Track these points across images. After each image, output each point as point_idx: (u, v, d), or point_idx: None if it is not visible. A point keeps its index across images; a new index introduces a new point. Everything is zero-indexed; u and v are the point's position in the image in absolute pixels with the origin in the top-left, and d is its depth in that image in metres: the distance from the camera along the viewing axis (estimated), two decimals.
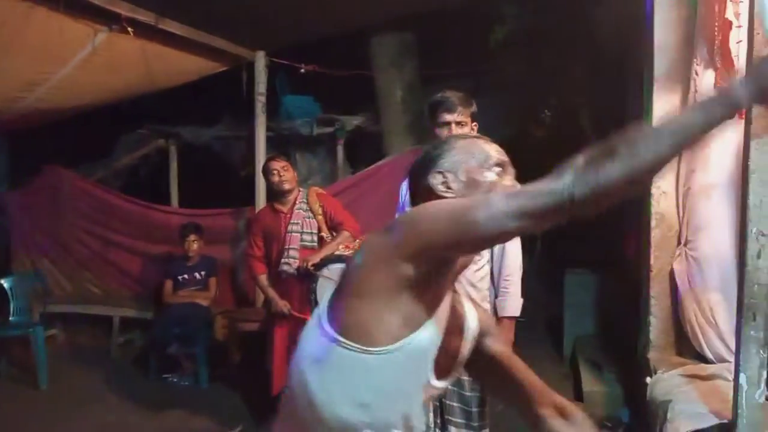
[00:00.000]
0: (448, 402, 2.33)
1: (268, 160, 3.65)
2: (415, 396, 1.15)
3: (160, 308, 4.84)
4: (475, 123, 2.37)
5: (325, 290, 3.41)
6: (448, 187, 1.21)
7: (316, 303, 3.41)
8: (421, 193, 1.24)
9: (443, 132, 2.31)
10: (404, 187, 2.53)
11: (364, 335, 1.07)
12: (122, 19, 3.62)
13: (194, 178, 5.91)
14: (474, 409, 2.31)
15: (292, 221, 3.52)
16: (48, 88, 4.22)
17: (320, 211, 3.60)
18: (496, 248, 2.32)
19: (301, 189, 3.69)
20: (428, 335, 1.11)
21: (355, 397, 1.09)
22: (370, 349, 1.06)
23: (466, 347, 1.27)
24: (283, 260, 3.46)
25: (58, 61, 3.96)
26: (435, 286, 1.11)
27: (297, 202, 3.60)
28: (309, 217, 3.57)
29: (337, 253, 3.45)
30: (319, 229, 3.57)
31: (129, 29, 3.67)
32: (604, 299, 4.65)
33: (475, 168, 1.22)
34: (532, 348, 4.63)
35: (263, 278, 3.56)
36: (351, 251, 3.47)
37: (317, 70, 5.00)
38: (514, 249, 2.32)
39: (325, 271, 3.41)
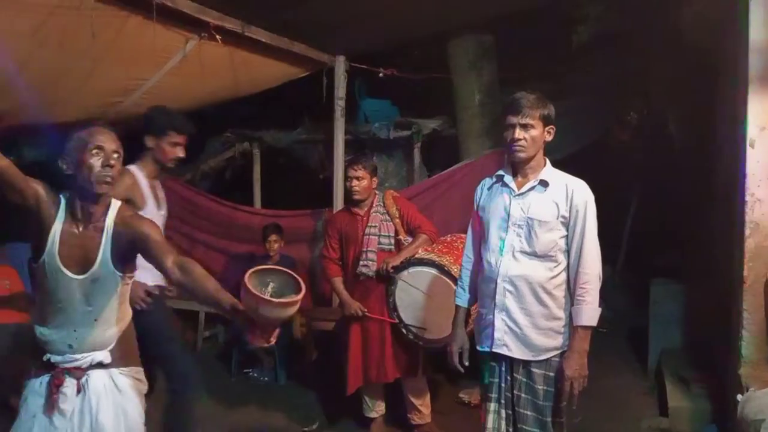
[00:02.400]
0: (521, 410, 2.29)
1: (348, 166, 3.70)
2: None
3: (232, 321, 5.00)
4: (551, 126, 2.30)
5: (403, 292, 3.45)
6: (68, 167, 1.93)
7: (394, 305, 3.45)
8: None
9: (508, 134, 2.29)
10: (479, 189, 2.50)
11: None
12: (211, 27, 3.77)
13: (276, 179, 6.09)
14: (548, 419, 2.26)
15: (369, 224, 3.56)
16: (142, 94, 4.47)
17: (397, 215, 3.63)
18: (573, 255, 2.26)
19: (377, 192, 3.72)
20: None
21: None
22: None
23: (103, 244, 1.95)
24: (361, 263, 3.51)
25: (151, 68, 4.19)
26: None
27: (374, 205, 3.64)
28: (386, 221, 3.60)
29: (417, 256, 3.47)
30: (396, 233, 3.59)
31: (217, 37, 3.83)
32: (692, 311, 4.42)
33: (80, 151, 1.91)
34: (613, 360, 4.49)
35: (338, 281, 3.62)
36: (430, 254, 3.48)
37: (395, 74, 5.03)
38: (592, 256, 2.24)
39: (404, 274, 3.44)
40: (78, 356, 1.99)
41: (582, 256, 2.23)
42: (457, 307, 2.56)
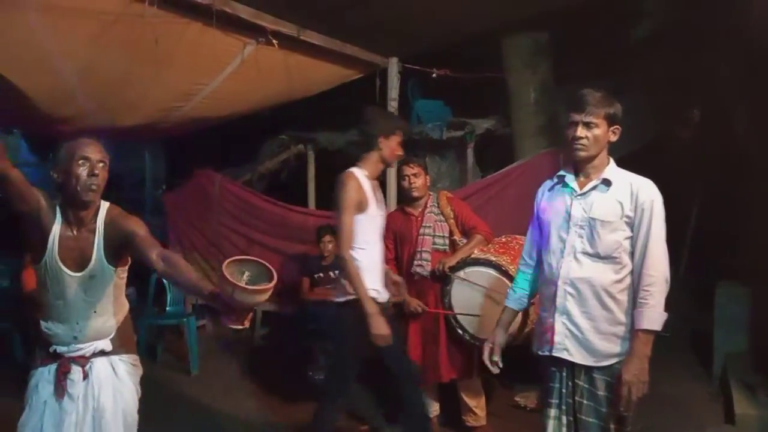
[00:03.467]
0: (583, 417, 2.24)
1: (401, 164, 3.71)
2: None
3: (297, 304, 5.10)
4: (616, 126, 2.23)
5: (459, 292, 3.44)
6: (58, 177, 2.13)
7: (450, 305, 3.44)
8: None
9: (569, 132, 2.23)
10: (540, 191, 2.46)
11: None
12: (267, 31, 3.85)
13: (330, 180, 6.15)
14: (610, 427, 2.21)
15: (424, 224, 3.57)
16: (202, 98, 4.61)
17: (452, 215, 3.62)
18: (637, 256, 2.19)
19: (431, 193, 3.72)
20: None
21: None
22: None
23: (96, 243, 2.14)
24: (416, 262, 3.52)
25: (210, 73, 4.32)
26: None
27: (428, 205, 3.64)
28: (440, 221, 3.59)
29: (473, 256, 3.45)
30: (451, 233, 3.58)
31: (274, 41, 3.91)
32: (759, 314, 4.23)
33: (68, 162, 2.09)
34: (676, 366, 4.34)
35: None
36: (486, 254, 3.46)
37: (448, 74, 5.02)
38: (658, 257, 2.16)
39: (461, 274, 3.43)
40: (82, 346, 2.19)
41: (647, 257, 2.16)
42: (506, 307, 2.53)
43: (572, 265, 2.24)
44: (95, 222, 2.15)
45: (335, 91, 5.20)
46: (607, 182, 2.24)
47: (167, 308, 5.37)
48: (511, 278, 3.25)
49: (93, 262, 2.13)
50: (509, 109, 5.01)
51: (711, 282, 4.54)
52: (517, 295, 2.51)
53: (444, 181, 5.58)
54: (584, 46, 5.23)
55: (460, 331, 3.45)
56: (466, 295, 3.42)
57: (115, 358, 2.26)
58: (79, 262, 2.14)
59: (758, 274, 4.40)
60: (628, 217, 2.19)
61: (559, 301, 2.26)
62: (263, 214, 5.85)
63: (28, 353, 4.63)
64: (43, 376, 2.21)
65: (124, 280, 2.28)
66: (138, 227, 2.14)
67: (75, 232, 2.14)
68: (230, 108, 5.12)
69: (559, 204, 2.31)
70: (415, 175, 3.58)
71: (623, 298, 2.21)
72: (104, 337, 2.23)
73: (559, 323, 2.27)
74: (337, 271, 4.92)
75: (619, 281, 2.21)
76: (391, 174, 5.05)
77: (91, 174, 2.07)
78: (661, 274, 2.16)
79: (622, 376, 2.15)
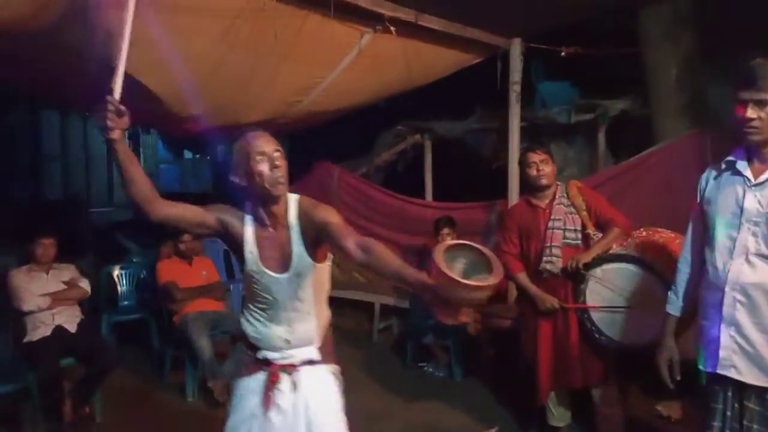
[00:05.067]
0: (749, 424, 1.94)
1: (527, 150, 3.43)
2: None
3: (417, 298, 4.99)
4: None
5: (595, 293, 3.14)
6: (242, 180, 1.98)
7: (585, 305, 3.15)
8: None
9: (739, 112, 1.89)
10: (704, 179, 2.12)
11: None
12: (385, 18, 3.73)
13: (448, 171, 5.98)
14: None
15: (553, 217, 3.28)
16: (320, 91, 4.59)
17: (584, 207, 3.30)
18: None
19: (559, 183, 3.42)
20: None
21: None
22: None
23: (294, 239, 1.99)
24: (545, 259, 3.24)
25: (328, 65, 4.28)
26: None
27: (556, 196, 3.34)
28: (571, 213, 3.28)
29: (612, 252, 3.14)
30: (584, 226, 3.26)
31: (391, 28, 3.78)
32: None
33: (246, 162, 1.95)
34: None
35: (523, 275, 3.35)
36: (627, 249, 3.13)
37: (580, 51, 4.64)
38: None
39: (597, 272, 3.12)
40: (293, 352, 2.06)
41: None
42: (668, 314, 2.22)
43: (743, 268, 1.91)
44: (288, 217, 2.01)
45: (453, 78, 5.00)
46: None
47: None
48: (658, 275, 2.92)
49: (295, 258, 1.99)
50: (647, 88, 4.54)
51: None
52: (678, 299, 2.20)
53: (571, 169, 5.21)
54: (735, 12, 4.64)
55: (596, 334, 3.15)
56: (603, 295, 3.11)
57: (322, 368, 2.11)
58: (282, 262, 2.00)
59: None
60: None
61: (726, 309, 1.94)
62: (381, 206, 5.81)
63: (163, 341, 4.89)
64: (249, 387, 2.09)
65: (327, 279, 2.13)
66: (331, 215, 1.96)
67: (271, 230, 2.01)
68: (348, 100, 5.08)
69: (728, 196, 1.97)
70: (543, 161, 3.30)
71: None
72: (312, 343, 2.10)
73: (726, 336, 1.95)
74: None
75: None
76: (513, 162, 4.77)
77: (274, 167, 1.93)
78: None
79: None
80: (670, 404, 3.67)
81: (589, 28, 4.75)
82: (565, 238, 3.23)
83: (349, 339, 5.52)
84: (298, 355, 2.06)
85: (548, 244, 3.24)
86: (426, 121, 5.92)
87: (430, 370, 4.76)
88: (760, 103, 1.86)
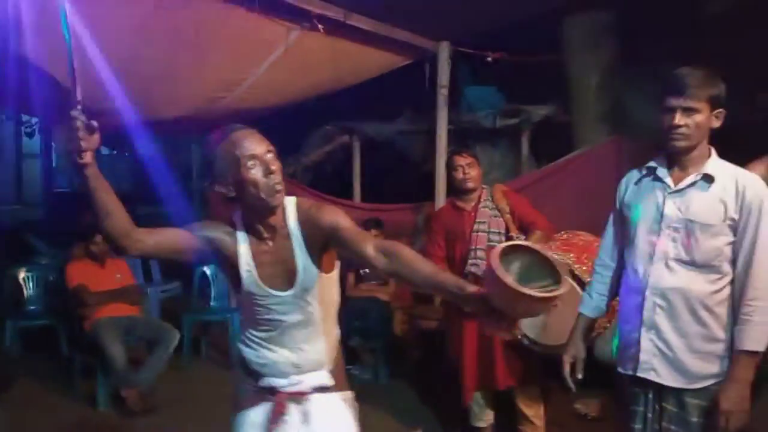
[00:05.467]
0: (668, 425, 1.99)
1: (453, 154, 3.46)
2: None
3: (343, 301, 4.93)
4: (720, 110, 1.92)
5: None
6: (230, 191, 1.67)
7: None
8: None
9: (667, 119, 1.91)
10: (623, 183, 2.14)
11: None
12: (313, 16, 3.66)
13: (376, 172, 5.97)
14: None
15: (477, 220, 3.31)
16: (245, 88, 4.46)
17: (508, 210, 3.34)
18: (740, 264, 1.88)
19: (484, 186, 3.46)
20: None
21: None
22: None
23: (296, 250, 1.71)
24: (469, 262, 3.26)
25: (254, 62, 4.16)
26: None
27: (481, 200, 3.38)
28: (496, 216, 3.32)
29: None
30: (507, 229, 3.31)
31: (320, 26, 3.71)
32: None
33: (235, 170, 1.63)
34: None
35: None
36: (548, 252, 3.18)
37: (504, 58, 4.72)
38: (765, 267, 1.85)
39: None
40: (303, 377, 1.80)
41: (753, 266, 1.84)
42: (581, 314, 2.25)
43: (663, 273, 1.94)
44: (287, 225, 1.72)
45: (383, 80, 4.98)
46: (708, 178, 1.92)
47: (212, 303, 5.29)
48: (576, 279, 2.98)
49: (300, 272, 1.71)
50: (569, 95, 4.69)
51: None
52: (595, 301, 2.22)
53: (496, 173, 5.30)
54: (651, 25, 4.86)
55: (519, 336, 3.19)
56: None
57: (335, 396, 1.84)
58: (286, 277, 1.73)
59: None
60: (732, 219, 1.87)
61: (646, 314, 1.97)
62: None
63: (73, 348, 4.62)
64: (251, 421, 1.81)
65: (336, 291, 1.87)
66: (339, 218, 1.68)
67: (270, 244, 1.73)
68: (275, 98, 4.97)
69: (648, 201, 2.00)
70: (469, 165, 3.32)
71: (721, 311, 1.91)
72: (323, 366, 1.83)
73: (646, 340, 1.98)
74: None
75: (717, 292, 1.90)
76: (441, 165, 4.81)
77: (269, 172, 1.63)
78: (766, 286, 1.85)
79: (719, 405, 1.86)
80: (588, 402, 3.77)
81: (514, 35, 4.85)
82: (489, 240, 3.26)
83: None
84: (308, 380, 1.80)
85: (473, 247, 3.27)
86: (355, 122, 5.89)
87: (356, 372, 4.71)
88: (687, 111, 1.89)
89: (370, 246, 1.62)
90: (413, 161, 5.72)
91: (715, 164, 1.94)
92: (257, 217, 1.70)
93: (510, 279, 1.31)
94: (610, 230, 2.19)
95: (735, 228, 1.89)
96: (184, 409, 4.09)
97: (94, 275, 4.33)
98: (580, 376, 2.19)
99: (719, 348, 1.93)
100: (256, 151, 1.63)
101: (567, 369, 2.19)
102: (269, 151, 1.66)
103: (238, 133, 1.66)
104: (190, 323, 4.94)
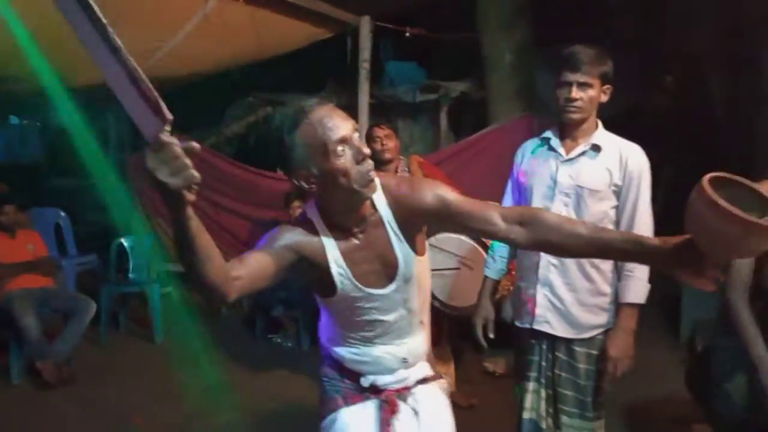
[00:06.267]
0: (561, 390, 2.20)
1: (372, 126, 3.58)
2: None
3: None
4: (608, 85, 2.11)
5: (431, 258, 3.34)
6: (311, 184, 1.41)
7: None
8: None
9: (562, 93, 2.08)
10: (520, 152, 2.33)
11: None
12: None
13: None
14: (589, 399, 2.16)
15: None
16: (162, 56, 4.36)
17: None
18: (623, 226, 2.10)
19: (402, 157, 3.60)
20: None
21: None
22: None
23: (393, 238, 1.49)
24: None
25: (170, 30, 4.07)
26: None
27: (398, 170, 3.52)
28: None
29: None
30: None
31: None
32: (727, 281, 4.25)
33: (321, 158, 1.36)
34: (645, 331, 4.34)
35: None
36: None
37: (423, 34, 4.85)
38: (644, 228, 2.07)
39: (432, 240, 3.33)
40: (409, 372, 1.63)
41: (634, 228, 2.07)
42: (486, 277, 2.43)
43: None
44: (377, 211, 1.49)
45: (307, 52, 5.00)
46: (596, 148, 2.12)
47: (130, 275, 5.21)
48: (483, 245, 3.18)
49: (401, 263, 1.50)
50: (484, 72, 4.88)
51: None
52: (498, 263, 2.39)
53: (417, 146, 5.47)
54: (562, 8, 5.12)
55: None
56: (438, 261, 3.34)
57: (435, 384, 1.70)
58: (386, 272, 1.52)
59: None
60: (616, 185, 2.10)
61: (541, 272, 2.17)
62: (230, 178, 5.67)
63: None
64: (355, 419, 1.60)
65: (429, 274, 1.67)
66: (441, 191, 1.46)
67: (360, 239, 1.50)
68: (194, 66, 4.89)
69: (543, 169, 2.19)
70: (387, 136, 3.45)
71: (606, 267, 2.14)
72: (424, 357, 1.68)
73: (541, 295, 2.19)
74: None
75: None
76: (361, 137, 4.91)
77: (361, 158, 1.38)
78: None
79: (608, 352, 2.10)
80: (496, 360, 4.04)
81: (435, 13, 4.99)
82: None
83: (198, 314, 5.39)
84: (413, 374, 1.64)
85: None
86: (278, 93, 5.88)
87: (279, 341, 4.81)
88: (583, 86, 2.07)
89: (497, 217, 1.39)
90: None
91: (602, 135, 2.15)
92: (344, 209, 1.46)
93: (732, 207, 1.08)
94: (508, 197, 2.37)
95: (618, 193, 2.11)
96: (101, 380, 4.06)
97: (4, 247, 4.18)
98: (491, 336, 2.36)
99: (604, 301, 2.16)
100: (345, 132, 1.37)
101: (479, 330, 2.36)
102: (356, 130, 1.40)
103: (319, 111, 1.38)
104: (107, 295, 4.86)
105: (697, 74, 5.43)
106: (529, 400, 2.23)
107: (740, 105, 4.54)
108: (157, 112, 1.04)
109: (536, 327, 2.21)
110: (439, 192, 1.45)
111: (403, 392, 1.62)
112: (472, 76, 5.19)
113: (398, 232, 1.49)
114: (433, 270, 3.27)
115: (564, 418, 2.18)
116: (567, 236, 1.33)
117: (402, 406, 1.60)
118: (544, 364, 2.23)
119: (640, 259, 1.33)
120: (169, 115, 1.04)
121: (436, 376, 1.73)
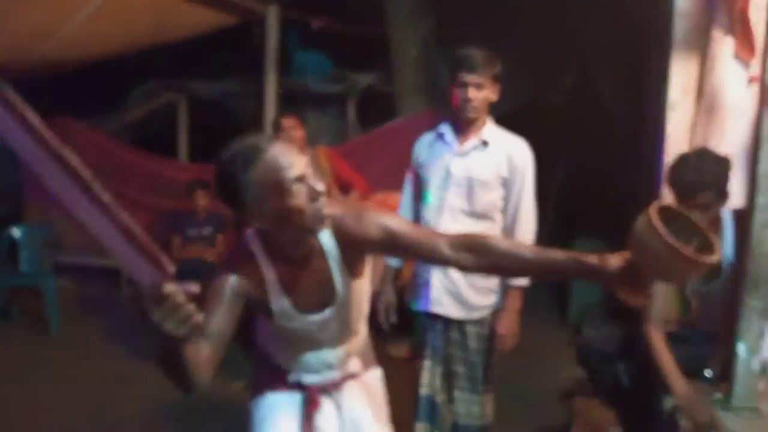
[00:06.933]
0: (454, 368, 2.36)
1: (279, 116, 3.62)
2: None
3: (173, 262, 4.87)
4: (498, 85, 2.27)
5: None
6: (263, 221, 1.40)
7: None
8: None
9: (459, 93, 2.23)
10: (417, 145, 2.47)
11: None
12: None
13: (204, 133, 5.89)
14: (479, 375, 2.34)
15: None
16: (58, 39, 4.17)
17: (328, 171, 3.59)
18: (509, 215, 2.28)
19: (308, 148, 3.66)
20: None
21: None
22: None
23: (333, 269, 1.52)
24: None
25: (67, 11, 3.90)
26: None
27: None
28: (317, 176, 3.55)
29: None
30: (328, 189, 3.55)
31: None
32: None
33: (276, 198, 1.35)
34: (536, 314, 4.66)
35: None
36: None
37: (330, 25, 4.90)
38: (528, 216, 2.27)
39: None
40: (335, 372, 1.70)
41: (518, 216, 2.27)
42: (387, 265, 2.55)
43: (450, 223, 2.29)
44: (320, 241, 1.50)
45: (213, 37, 4.92)
46: (485, 143, 2.29)
47: (21, 267, 4.94)
48: None
49: (339, 291, 1.55)
50: (390, 65, 5.00)
51: (572, 237, 4.88)
52: None
53: (324, 137, 5.51)
54: (464, 6, 5.31)
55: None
56: None
57: (366, 376, 1.78)
58: (322, 297, 1.56)
59: (612, 230, 4.78)
60: (503, 177, 2.28)
61: None
62: (131, 167, 5.49)
63: None
64: (280, 404, 1.68)
65: (368, 288, 1.69)
66: (388, 222, 1.46)
67: (301, 268, 1.51)
68: (93, 50, 4.69)
69: (438, 161, 2.34)
70: (292, 127, 3.50)
71: None
72: (355, 356, 1.75)
73: (437, 279, 2.34)
74: (210, 228, 4.78)
75: None
76: (268, 127, 4.90)
77: (315, 195, 1.37)
78: (530, 231, 2.29)
79: (496, 330, 2.27)
80: (398, 345, 4.18)
81: (345, 4, 5.05)
82: None
83: (95, 307, 5.21)
84: (339, 373, 1.72)
85: None
86: (183, 79, 5.73)
87: None
88: (478, 86, 2.22)
89: (443, 245, 1.42)
90: (242, 121, 5.72)
91: (491, 131, 2.32)
92: (291, 243, 1.47)
93: (670, 237, 1.20)
94: (408, 187, 2.50)
95: (506, 185, 2.28)
96: None
97: None
98: (393, 320, 2.49)
99: (494, 284, 2.35)
100: (300, 172, 1.36)
101: (382, 315, 2.48)
102: (309, 164, 1.41)
103: (274, 149, 1.36)
104: None
105: (591, 73, 5.82)
106: (425, 377, 2.38)
107: (627, 104, 4.91)
108: (157, 266, 1.06)
109: (432, 310, 2.35)
110: (384, 223, 1.47)
111: (328, 388, 1.70)
112: (378, 68, 5.29)
113: (340, 262, 1.53)
114: None
115: (456, 393, 2.36)
116: (514, 260, 1.40)
117: (325, 402, 1.68)
118: (438, 343, 2.38)
119: (580, 276, 1.40)
120: (171, 269, 1.07)
121: (368, 366, 1.80)
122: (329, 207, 1.43)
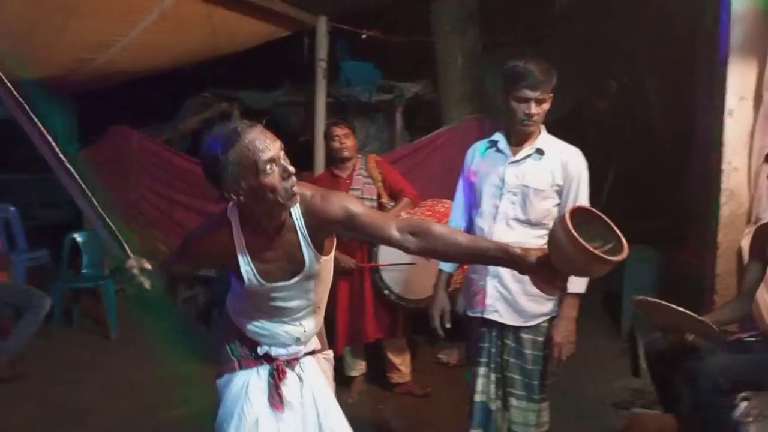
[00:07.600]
0: (509, 374, 2.36)
1: (331, 125, 3.69)
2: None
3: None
4: (552, 95, 2.28)
5: (386, 254, 3.49)
6: (239, 196, 1.59)
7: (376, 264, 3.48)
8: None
9: (520, 107, 2.23)
10: (470, 153, 2.48)
11: None
12: None
13: None
14: (535, 382, 2.33)
15: (352, 187, 3.57)
16: (117, 50, 4.34)
17: (380, 178, 3.64)
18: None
19: (359, 156, 3.72)
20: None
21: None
22: None
23: (302, 243, 1.70)
24: None
25: (126, 24, 4.05)
26: None
27: (356, 168, 3.64)
28: (368, 183, 3.61)
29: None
30: (379, 195, 3.61)
31: None
32: (666, 276, 4.53)
33: (252, 176, 1.54)
34: (588, 323, 4.58)
35: None
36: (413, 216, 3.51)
37: (378, 36, 4.97)
38: None
39: None
40: (300, 347, 1.89)
41: None
42: (440, 271, 2.57)
43: (504, 231, 2.30)
44: (291, 217, 1.69)
45: (264, 49, 5.05)
46: (540, 151, 2.30)
47: (83, 271, 5.15)
48: None
49: (307, 264, 1.73)
50: (437, 75, 5.04)
51: None
52: None
53: (372, 145, 5.59)
54: (510, 15, 5.32)
55: (386, 292, 3.52)
56: (393, 256, 3.47)
57: (320, 355, 1.98)
58: (290, 268, 1.74)
59: (665, 238, 4.70)
60: (558, 185, 2.28)
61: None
62: (184, 173, 5.63)
63: None
64: (247, 381, 1.85)
65: (332, 267, 1.88)
66: (349, 204, 1.66)
67: (272, 240, 1.71)
68: (149, 62, 4.86)
69: (492, 169, 2.35)
70: (345, 135, 3.57)
71: None
72: (315, 334, 1.95)
73: (491, 286, 2.35)
74: None
75: (539, 238, 2.28)
76: (319, 136, 4.99)
77: (286, 174, 1.56)
78: None
79: (552, 338, 2.27)
80: (449, 351, 4.20)
81: (392, 15, 5.11)
82: None
83: (153, 309, 5.37)
84: (303, 348, 1.90)
85: None
86: (235, 90, 5.89)
87: None
88: (540, 102, 2.23)
89: (393, 228, 1.61)
90: (291, 131, 5.84)
91: (545, 139, 2.33)
92: (265, 217, 1.67)
93: (579, 237, 1.37)
94: (460, 195, 2.52)
95: (560, 193, 2.29)
96: (54, 376, 4.03)
97: None
98: (448, 326, 2.49)
99: None
100: (272, 152, 1.54)
101: (437, 321, 2.49)
102: (281, 148, 1.59)
103: (250, 134, 1.54)
104: (60, 291, 4.80)
105: (637, 79, 5.74)
106: (480, 384, 2.39)
107: (675, 111, 4.83)
108: (122, 248, 1.73)
109: (486, 316, 2.36)
110: (346, 205, 1.66)
111: (292, 362, 1.88)
112: (425, 77, 5.34)
113: (307, 236, 1.70)
114: (389, 265, 3.45)
115: (512, 401, 2.35)
116: (449, 245, 1.59)
117: (289, 374, 1.86)
118: (493, 350, 2.39)
119: (506, 264, 1.57)
120: (130, 254, 1.75)
121: (323, 349, 2.01)
122: (299, 186, 1.63)
